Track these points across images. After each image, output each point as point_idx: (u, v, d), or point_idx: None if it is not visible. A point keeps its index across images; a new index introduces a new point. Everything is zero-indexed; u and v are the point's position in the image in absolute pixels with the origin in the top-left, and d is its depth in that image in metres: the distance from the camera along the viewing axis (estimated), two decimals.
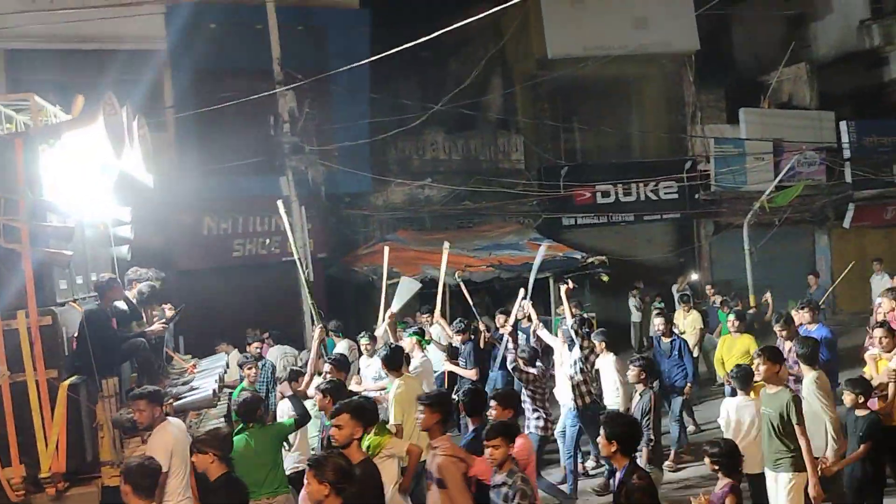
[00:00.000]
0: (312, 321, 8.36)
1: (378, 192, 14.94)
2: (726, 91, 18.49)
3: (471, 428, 5.69)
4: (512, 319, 8.78)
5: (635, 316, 15.85)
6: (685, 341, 9.61)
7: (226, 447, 4.90)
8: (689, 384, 9.27)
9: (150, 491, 4.38)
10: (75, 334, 6.13)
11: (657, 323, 9.54)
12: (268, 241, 13.78)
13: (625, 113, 17.84)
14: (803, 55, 19.70)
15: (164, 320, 7.60)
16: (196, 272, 12.89)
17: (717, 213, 17.37)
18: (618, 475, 4.48)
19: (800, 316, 8.78)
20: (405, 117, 14.41)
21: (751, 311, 12.46)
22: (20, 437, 5.61)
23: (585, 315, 9.71)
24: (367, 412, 4.75)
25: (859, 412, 6.04)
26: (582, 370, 8.04)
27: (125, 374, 6.78)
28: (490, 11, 8.32)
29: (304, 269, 8.39)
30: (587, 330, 8.36)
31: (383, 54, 9.08)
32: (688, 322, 12.08)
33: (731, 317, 9.79)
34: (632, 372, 6.92)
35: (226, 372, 8.57)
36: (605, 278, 13.91)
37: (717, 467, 4.89)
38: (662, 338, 9.40)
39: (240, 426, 6.06)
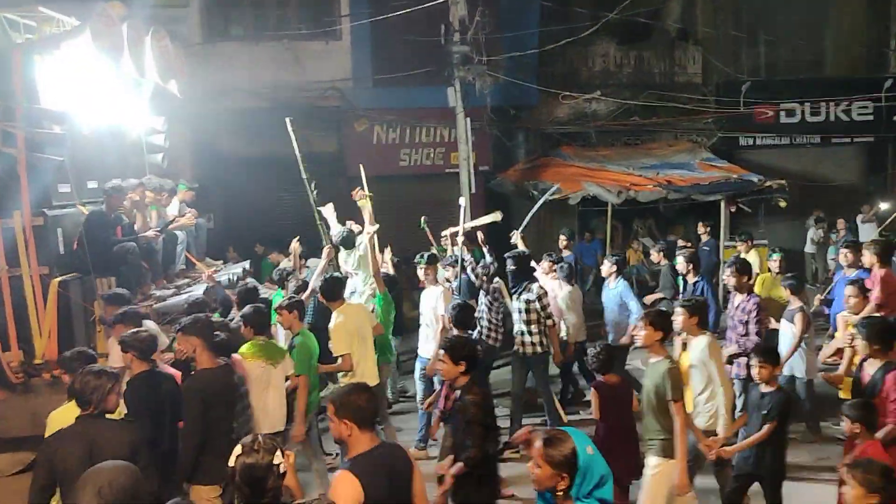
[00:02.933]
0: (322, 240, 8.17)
1: (544, 106, 14.64)
2: None
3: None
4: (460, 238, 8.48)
5: (809, 247, 14.81)
6: (710, 283, 8.44)
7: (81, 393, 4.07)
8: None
9: None
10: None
11: (679, 262, 8.41)
12: (432, 152, 14.04)
13: (818, 24, 16.14)
14: None
15: (158, 228, 7.79)
16: (366, 179, 13.39)
17: None
18: (458, 393, 4.79)
19: (842, 256, 7.78)
20: (575, 27, 13.86)
21: None
22: (18, 326, 6.30)
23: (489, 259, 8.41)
24: (197, 326, 4.89)
25: (766, 388, 5.25)
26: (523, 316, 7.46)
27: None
28: None
29: (311, 190, 7.95)
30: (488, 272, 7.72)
31: None
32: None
33: (776, 256, 8.81)
34: None
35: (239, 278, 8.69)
36: (783, 204, 12.98)
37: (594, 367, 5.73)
38: (688, 277, 8.30)
39: None
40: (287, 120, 8.03)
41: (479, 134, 13.19)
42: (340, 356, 6.33)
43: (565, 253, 10.55)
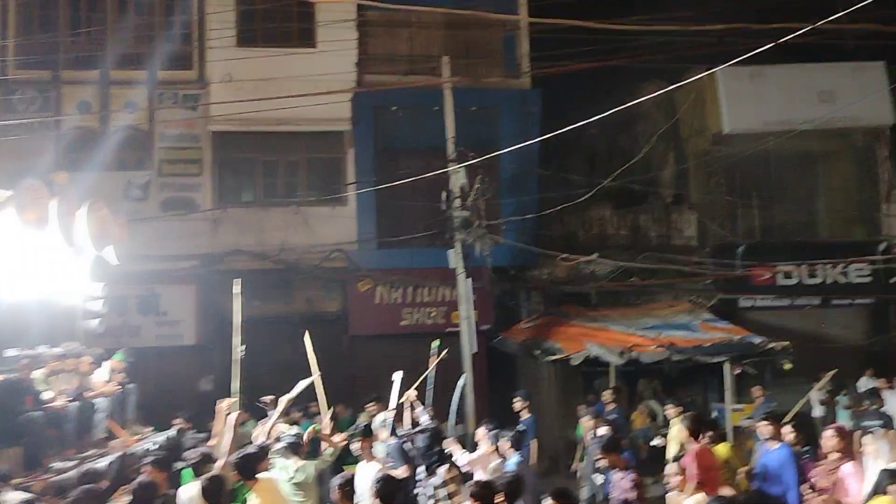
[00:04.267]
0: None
1: (543, 266, 14.96)
2: None
3: None
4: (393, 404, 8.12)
5: (817, 410, 14.42)
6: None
7: None
8: None
9: None
10: None
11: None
12: (434, 311, 14.21)
13: (809, 189, 16.75)
14: None
15: (70, 397, 7.73)
16: (367, 338, 13.53)
17: None
18: None
19: (761, 429, 7.19)
20: (573, 192, 14.46)
21: None
22: None
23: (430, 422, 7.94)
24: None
25: None
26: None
27: None
28: (666, 90, 8.26)
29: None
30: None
31: (552, 134, 9.22)
32: (673, 432, 9.76)
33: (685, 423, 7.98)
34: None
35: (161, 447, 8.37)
36: (788, 366, 12.83)
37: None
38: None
39: None
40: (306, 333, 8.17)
41: (481, 293, 13.37)
42: None
43: (524, 415, 10.00)
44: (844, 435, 6.27)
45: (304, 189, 14.13)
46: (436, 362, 9.79)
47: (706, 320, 14.15)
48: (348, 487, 5.78)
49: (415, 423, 8.52)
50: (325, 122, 13.74)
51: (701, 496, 6.04)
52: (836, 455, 6.14)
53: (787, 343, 12.88)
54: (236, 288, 7.88)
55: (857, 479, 6.00)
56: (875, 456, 6.05)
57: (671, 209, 16.07)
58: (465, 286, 12.62)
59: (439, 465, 6.91)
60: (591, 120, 8.18)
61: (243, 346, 7.81)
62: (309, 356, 8.14)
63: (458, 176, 12.36)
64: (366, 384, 12.62)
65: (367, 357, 13.75)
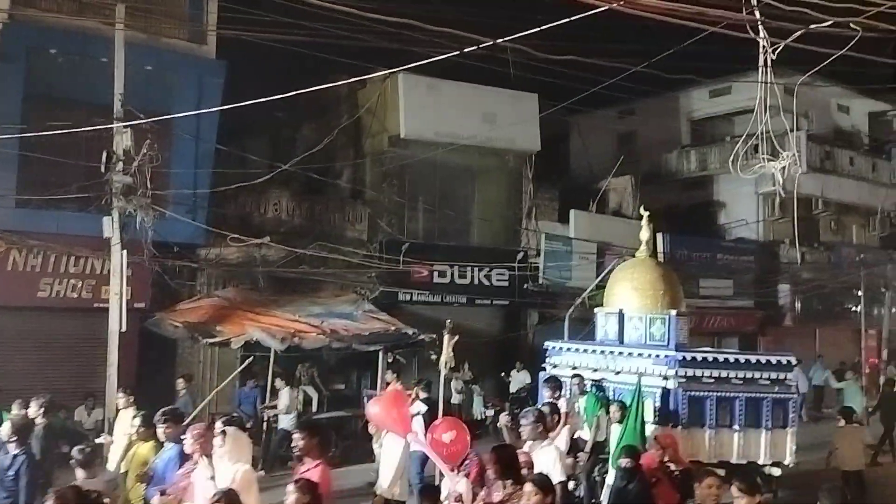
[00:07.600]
0: None
1: (212, 246, 14.36)
2: (560, 192, 19.84)
3: None
4: None
5: (455, 398, 16.03)
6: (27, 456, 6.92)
7: None
8: None
9: None
10: None
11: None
12: (80, 283, 12.81)
13: (467, 199, 18.54)
14: (630, 169, 21.59)
15: None
16: None
17: (543, 304, 18.19)
18: None
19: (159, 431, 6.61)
20: (250, 172, 14.15)
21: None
22: None
23: None
24: None
25: None
26: None
27: None
28: (346, 82, 8.47)
29: None
30: None
31: (230, 106, 8.93)
32: (117, 426, 9.22)
33: (137, 421, 7.16)
34: None
35: None
36: (435, 356, 14.00)
37: None
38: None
39: None
40: None
41: (138, 268, 12.37)
42: None
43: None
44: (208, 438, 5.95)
45: None
46: None
47: (367, 311, 14.85)
48: None
49: None
50: None
51: None
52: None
53: (434, 336, 14.08)
54: None
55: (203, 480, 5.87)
56: (220, 455, 5.83)
57: (346, 202, 16.58)
58: (119, 259, 11.56)
59: None
60: (267, 98, 8.00)
61: None
62: None
63: (123, 137, 11.28)
64: None
65: None
